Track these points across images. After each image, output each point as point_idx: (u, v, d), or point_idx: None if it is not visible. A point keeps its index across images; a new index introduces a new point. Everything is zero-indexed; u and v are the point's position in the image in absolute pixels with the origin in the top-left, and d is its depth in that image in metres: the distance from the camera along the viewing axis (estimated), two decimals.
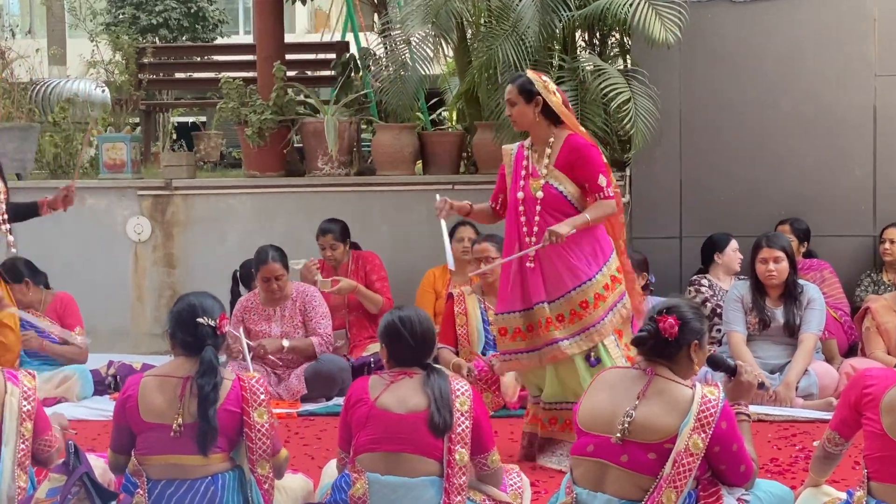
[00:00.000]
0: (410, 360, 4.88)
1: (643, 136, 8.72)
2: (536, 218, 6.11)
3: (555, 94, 6.12)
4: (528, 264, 6.16)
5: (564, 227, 5.93)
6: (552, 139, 6.16)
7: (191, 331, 4.80)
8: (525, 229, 6.16)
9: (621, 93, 8.68)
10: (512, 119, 6.30)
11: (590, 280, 6.08)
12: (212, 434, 4.66)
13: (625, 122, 8.62)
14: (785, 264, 7.69)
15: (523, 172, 6.22)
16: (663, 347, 4.48)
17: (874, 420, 4.30)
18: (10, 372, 5.02)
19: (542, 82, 6.13)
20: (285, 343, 7.98)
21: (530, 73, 6.21)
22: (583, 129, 6.30)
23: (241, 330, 7.63)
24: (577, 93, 8.96)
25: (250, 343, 7.70)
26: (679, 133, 9.35)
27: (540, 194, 6.11)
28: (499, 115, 9.04)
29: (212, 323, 4.80)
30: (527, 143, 6.31)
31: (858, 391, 4.41)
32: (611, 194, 6.07)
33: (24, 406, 4.89)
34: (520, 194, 6.19)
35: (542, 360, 6.21)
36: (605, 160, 6.17)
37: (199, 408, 4.67)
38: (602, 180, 6.05)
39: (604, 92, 8.73)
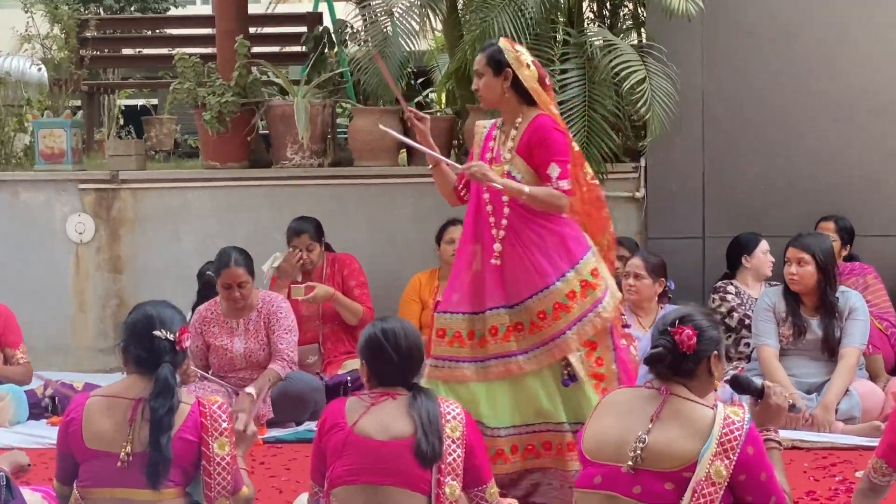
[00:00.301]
0: (394, 378, 4.87)
1: (660, 121, 8.74)
2: (506, 210, 6.11)
3: (528, 66, 6.11)
4: (493, 261, 6.13)
5: (493, 175, 5.99)
6: (520, 119, 6.16)
7: (146, 345, 4.78)
8: (493, 220, 6.16)
9: (635, 71, 8.71)
10: (479, 93, 6.31)
11: (547, 288, 6.04)
12: (164, 465, 4.63)
13: (639, 105, 8.64)
14: (810, 269, 7.68)
15: (488, 156, 6.25)
16: (680, 363, 4.49)
17: None
18: None
19: (515, 53, 6.12)
20: (251, 391, 7.88)
21: (503, 42, 6.21)
22: (556, 110, 6.26)
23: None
24: (585, 72, 8.98)
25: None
26: (701, 118, 9.40)
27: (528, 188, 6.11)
28: None
29: (170, 336, 4.79)
30: (499, 121, 6.33)
31: None
32: (564, 188, 6.01)
33: None
34: None
35: (488, 374, 6.15)
36: (570, 148, 6.14)
37: (151, 435, 4.66)
38: (553, 170, 6.00)
39: (615, 70, 8.75)
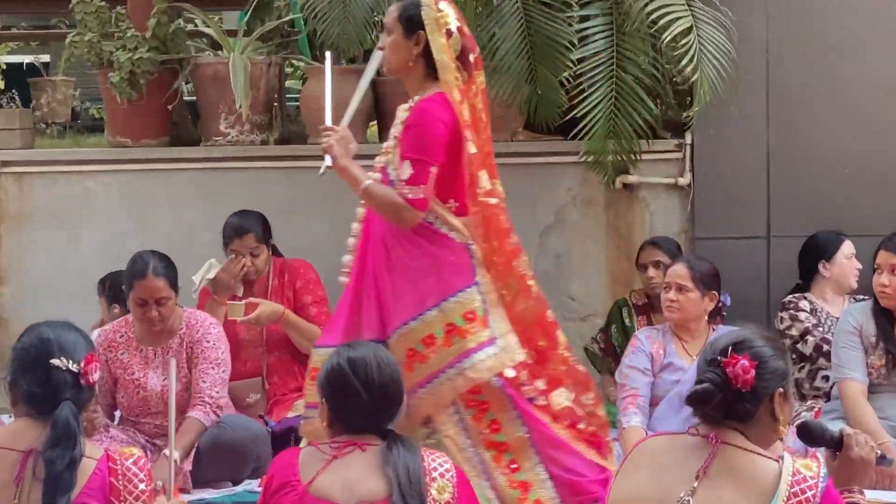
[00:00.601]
0: (364, 423, 4.89)
1: (712, 85, 8.76)
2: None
3: (450, 33, 6.15)
4: (341, 279, 6.31)
5: (338, 150, 6.28)
6: (418, 98, 6.25)
7: (40, 378, 4.75)
8: (356, 225, 6.38)
9: (679, 18, 8.72)
10: (384, 55, 6.39)
11: (405, 324, 6.13)
12: None
13: (683, 63, 8.65)
14: None
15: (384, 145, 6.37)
16: (734, 403, 4.49)
17: None
18: None
19: (436, 12, 6.16)
20: (174, 454, 7.87)
21: None
22: (456, 95, 6.20)
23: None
24: (612, 19, 9.01)
25: None
26: (766, 81, 9.44)
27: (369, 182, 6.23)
28: (493, 53, 9.08)
29: (73, 367, 4.77)
30: None
31: None
32: (408, 196, 6.07)
33: None
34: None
35: None
36: (443, 149, 6.13)
37: (45, 497, 4.67)
38: (406, 170, 6.07)
39: (651, 18, 8.76)
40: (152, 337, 8.00)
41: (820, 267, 8.60)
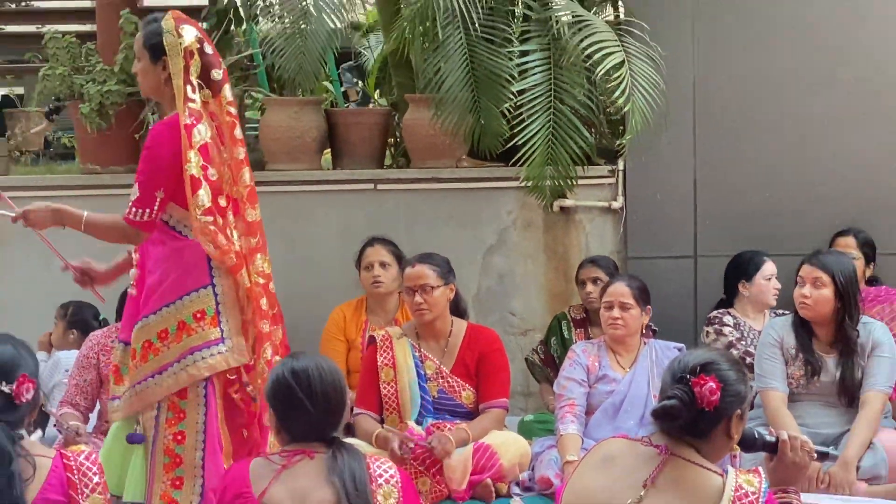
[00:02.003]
0: (309, 432, 4.83)
1: (642, 115, 8.74)
2: None
3: (192, 54, 6.02)
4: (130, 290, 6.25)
5: (39, 219, 6.33)
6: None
7: None
8: None
9: (611, 54, 8.71)
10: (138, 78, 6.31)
11: (145, 317, 6.05)
12: None
13: (616, 95, 8.64)
14: (827, 293, 7.69)
15: None
16: (696, 421, 4.45)
17: None
18: None
19: (176, 37, 6.03)
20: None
21: (166, 20, 6.10)
22: (187, 111, 5.98)
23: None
24: (550, 54, 9.01)
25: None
26: (693, 111, 9.46)
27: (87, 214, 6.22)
28: (439, 86, 9.05)
29: (5, 389, 4.70)
30: None
31: None
32: (134, 218, 5.98)
33: None
34: None
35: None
36: (167, 164, 5.98)
37: None
38: (134, 192, 5.99)
39: (586, 53, 8.75)
40: None
41: (741, 285, 8.62)
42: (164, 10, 11.99)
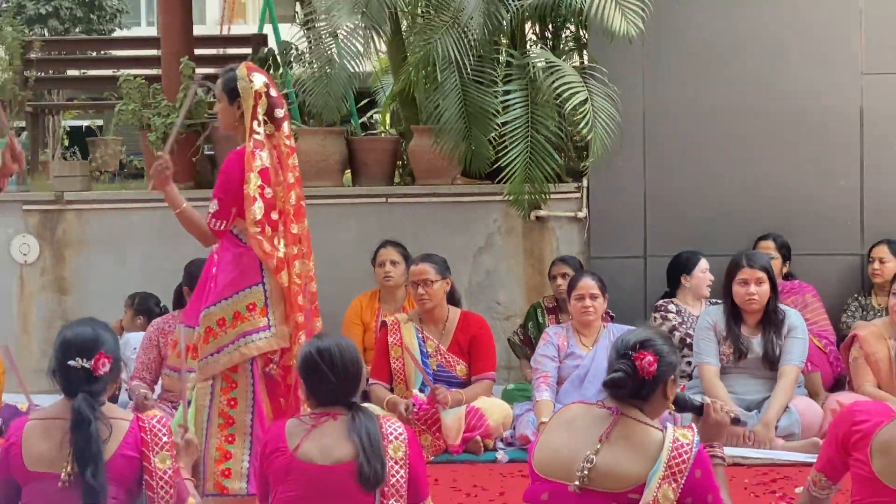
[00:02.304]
0: (332, 398, 4.81)
1: (602, 142, 8.74)
2: None
3: (260, 96, 6.03)
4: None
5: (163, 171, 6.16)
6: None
7: (63, 374, 4.69)
8: None
9: (577, 93, 8.71)
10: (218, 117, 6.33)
11: (206, 308, 6.05)
12: (99, 492, 4.54)
13: (581, 126, 8.64)
14: (766, 287, 7.71)
15: None
16: (638, 388, 4.47)
17: (863, 462, 4.31)
18: None
19: (248, 82, 6.05)
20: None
21: (240, 69, 6.11)
22: (252, 142, 6.01)
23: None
24: (527, 93, 9.00)
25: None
26: (643, 139, 9.42)
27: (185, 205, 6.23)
28: (438, 118, 9.06)
29: (86, 364, 4.67)
30: None
31: (846, 427, 4.41)
32: (213, 227, 6.03)
33: None
34: None
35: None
36: (232, 185, 6.00)
37: (79, 465, 4.58)
38: (213, 205, 6.02)
39: (557, 92, 8.75)
40: None
41: (682, 279, 8.60)
42: (216, 57, 12.00)
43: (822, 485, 4.57)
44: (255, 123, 5.99)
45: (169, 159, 6.22)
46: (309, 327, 6.15)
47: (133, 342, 8.58)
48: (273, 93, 6.11)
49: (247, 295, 5.96)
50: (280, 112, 6.12)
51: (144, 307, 9.04)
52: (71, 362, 4.67)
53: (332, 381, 4.79)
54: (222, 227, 6.01)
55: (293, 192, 6.16)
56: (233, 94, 6.05)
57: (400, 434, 4.76)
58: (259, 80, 6.07)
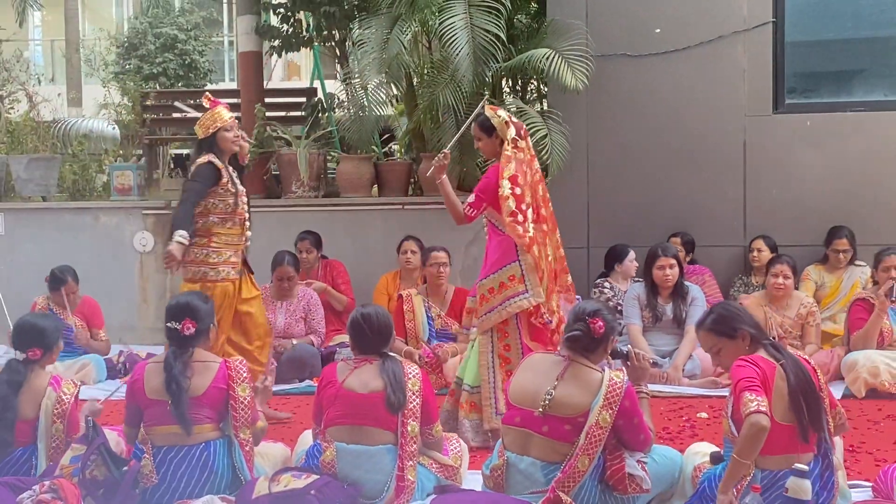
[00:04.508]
0: (370, 349, 4.85)
1: (557, 164, 8.77)
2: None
3: (507, 124, 5.95)
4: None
5: (441, 168, 6.06)
6: (492, 162, 6.11)
7: (166, 331, 4.83)
8: None
9: (539, 129, 8.72)
10: (482, 151, 6.18)
11: (481, 280, 5.99)
12: (187, 417, 4.63)
13: (542, 153, 8.63)
14: (676, 269, 7.76)
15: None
16: (589, 343, 4.50)
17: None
18: (56, 378, 4.96)
19: (497, 117, 5.97)
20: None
21: (487, 111, 6.02)
22: (504, 159, 5.94)
23: None
24: None
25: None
26: (587, 162, 9.40)
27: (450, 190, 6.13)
28: (440, 148, 9.04)
29: (176, 326, 4.76)
30: None
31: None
32: (466, 211, 5.93)
33: (57, 409, 4.83)
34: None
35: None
36: (489, 187, 5.91)
37: (172, 399, 4.65)
38: (470, 197, 5.94)
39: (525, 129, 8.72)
40: (281, 294, 8.20)
41: (615, 265, 8.59)
42: (280, 104, 11.85)
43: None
44: (505, 144, 5.93)
45: (448, 154, 6.15)
46: (559, 286, 6.12)
47: None
48: (514, 119, 6.05)
49: (508, 269, 5.88)
50: (520, 133, 6.02)
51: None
52: (169, 324, 4.71)
53: (368, 336, 4.84)
54: (473, 214, 5.94)
55: (540, 186, 6.07)
56: (489, 130, 5.97)
57: (416, 374, 4.80)
58: (503, 113, 6.02)
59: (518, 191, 5.83)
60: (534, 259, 5.87)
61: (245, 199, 6.50)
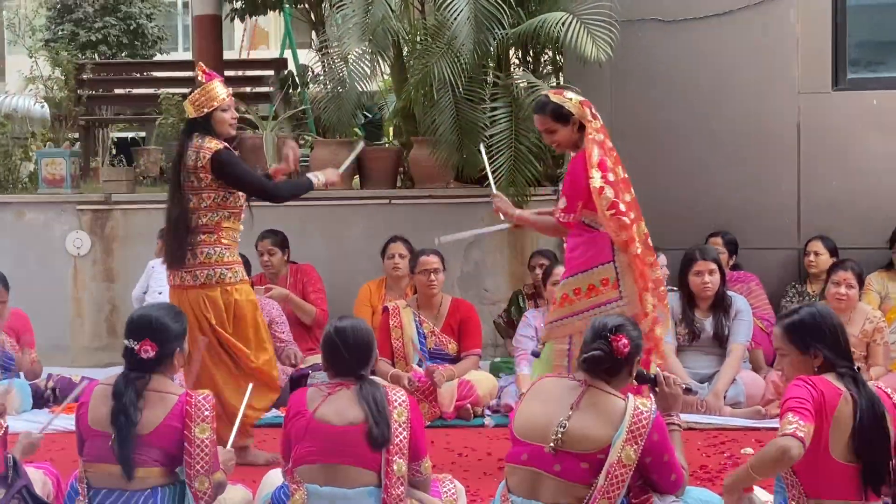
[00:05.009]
0: (346, 371, 4.82)
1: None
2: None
3: (583, 105, 5.94)
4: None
5: (506, 205, 6.19)
6: (572, 154, 6.10)
7: (124, 348, 4.78)
8: None
9: None
10: (556, 146, 6.16)
11: (564, 279, 5.98)
12: (130, 458, 4.57)
13: None
14: (717, 276, 7.75)
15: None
16: (611, 365, 4.49)
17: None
18: None
19: (569, 101, 5.94)
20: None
21: (552, 96, 5.99)
22: (589, 145, 5.88)
23: None
24: (511, 109, 9.00)
25: None
26: None
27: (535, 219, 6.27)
28: (435, 131, 9.07)
29: (133, 345, 4.70)
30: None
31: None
32: (561, 220, 5.92)
33: None
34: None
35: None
36: (584, 183, 5.82)
37: (116, 434, 4.61)
38: (562, 202, 5.93)
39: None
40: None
41: None
42: (243, 78, 11.87)
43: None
44: (588, 128, 5.88)
45: (499, 196, 6.35)
46: (653, 283, 6.00)
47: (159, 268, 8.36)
48: (582, 98, 6.01)
49: (601, 271, 5.84)
50: (593, 110, 5.98)
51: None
52: (125, 342, 4.70)
53: (345, 356, 4.80)
54: (570, 220, 5.90)
55: (619, 167, 6.00)
56: (566, 117, 5.90)
57: (403, 401, 4.77)
58: (574, 96, 5.99)
59: (611, 177, 5.82)
60: (630, 258, 5.84)
61: None
